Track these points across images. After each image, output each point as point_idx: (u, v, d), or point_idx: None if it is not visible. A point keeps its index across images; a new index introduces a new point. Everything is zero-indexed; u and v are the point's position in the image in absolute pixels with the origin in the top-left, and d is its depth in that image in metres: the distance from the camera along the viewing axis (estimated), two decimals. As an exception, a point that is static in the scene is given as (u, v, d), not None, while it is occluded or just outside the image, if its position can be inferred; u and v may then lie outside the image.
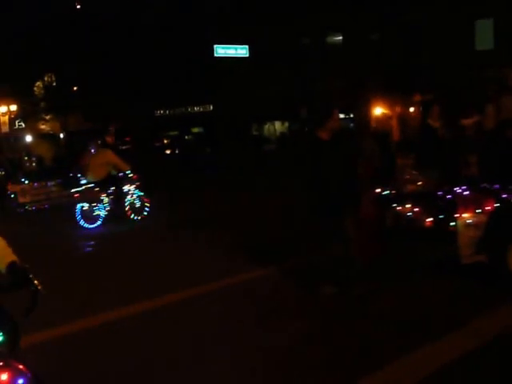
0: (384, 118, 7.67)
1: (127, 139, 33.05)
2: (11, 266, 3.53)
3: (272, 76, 34.08)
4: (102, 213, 13.36)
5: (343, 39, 37.07)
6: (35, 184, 18.71)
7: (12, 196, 18.35)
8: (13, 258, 3.59)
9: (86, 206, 13.32)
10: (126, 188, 13.65)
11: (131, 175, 13.67)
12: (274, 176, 20.53)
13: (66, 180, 18.79)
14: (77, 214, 13.29)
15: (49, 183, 18.96)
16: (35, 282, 3.45)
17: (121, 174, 13.68)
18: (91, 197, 13.32)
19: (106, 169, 13.57)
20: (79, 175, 18.03)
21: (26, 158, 20.15)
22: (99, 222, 13.33)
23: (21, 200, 18.25)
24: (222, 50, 32.94)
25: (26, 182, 18.69)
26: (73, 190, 13.92)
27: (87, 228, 13.27)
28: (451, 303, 6.42)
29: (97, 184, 13.41)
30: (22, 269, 3.50)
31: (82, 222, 13.31)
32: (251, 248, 9.92)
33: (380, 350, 5.29)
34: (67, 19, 34.58)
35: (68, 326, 6.54)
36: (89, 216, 13.35)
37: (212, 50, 32.31)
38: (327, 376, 4.88)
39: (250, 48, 33.82)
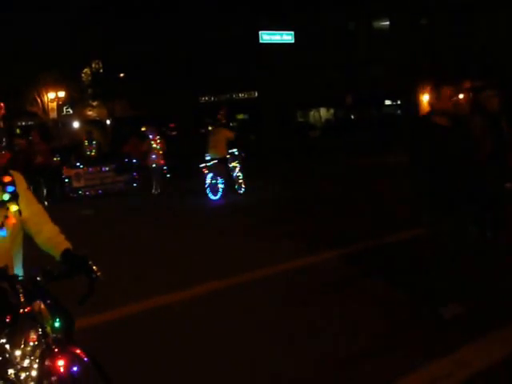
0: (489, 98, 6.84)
1: (172, 125, 33.15)
2: (65, 253, 3.55)
3: (318, 62, 33.64)
4: (222, 186, 14.90)
5: (390, 24, 36.39)
6: (90, 169, 18.40)
7: (66, 181, 18.03)
8: (67, 245, 3.61)
9: (209, 179, 15.03)
10: (232, 164, 15.44)
11: (237, 153, 15.55)
12: (324, 162, 20.44)
13: (121, 165, 18.65)
14: (206, 187, 15.03)
15: (103, 168, 18.63)
16: (94, 268, 3.46)
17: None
18: (217, 171, 14.91)
19: (226, 145, 15.09)
20: (134, 161, 18.48)
21: (87, 143, 19.75)
22: (219, 195, 14.90)
23: (75, 185, 18.05)
24: (267, 36, 32.62)
25: (81, 166, 18.34)
26: (201, 165, 15.33)
27: (213, 199, 14.93)
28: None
29: (220, 160, 14.93)
30: (78, 256, 3.51)
31: (209, 194, 15.03)
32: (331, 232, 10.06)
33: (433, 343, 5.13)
34: (114, 4, 34.68)
35: (124, 308, 6.58)
36: (213, 189, 14.98)
37: (257, 36, 32.05)
38: (369, 371, 4.74)
39: (296, 34, 33.42)
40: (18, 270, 3.70)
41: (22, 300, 3.20)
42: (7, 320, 3.52)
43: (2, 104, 3.68)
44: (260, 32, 32.18)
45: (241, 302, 6.59)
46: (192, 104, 38.11)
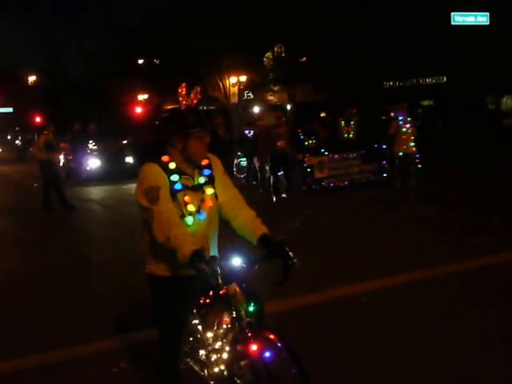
0: None
1: (353, 111, 32.51)
2: (262, 238, 3.53)
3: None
4: None
5: None
6: (335, 156, 15.86)
7: (308, 170, 15.60)
8: (264, 230, 3.59)
9: None
10: None
11: None
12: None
13: (370, 152, 16.27)
14: None
15: (350, 155, 16.06)
16: (290, 254, 3.38)
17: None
18: None
19: None
20: (384, 146, 16.17)
21: (343, 124, 17.58)
22: None
23: (317, 175, 15.57)
24: (460, 18, 30.90)
25: (326, 153, 15.81)
26: None
27: None
28: None
29: None
30: (275, 241, 3.46)
31: None
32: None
33: None
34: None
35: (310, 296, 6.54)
36: None
37: (449, 18, 30.46)
38: None
39: (492, 15, 31.31)
40: (214, 253, 3.72)
41: (221, 282, 3.16)
42: (206, 301, 3.53)
43: (198, 88, 3.72)
44: (452, 13, 30.48)
45: (429, 298, 6.33)
46: (376, 89, 37.23)
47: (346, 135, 16.97)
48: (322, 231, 10.57)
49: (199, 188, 3.59)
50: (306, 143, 16.34)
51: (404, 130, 14.32)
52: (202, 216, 3.56)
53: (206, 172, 3.64)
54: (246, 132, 18.97)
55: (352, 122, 17.27)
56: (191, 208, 3.52)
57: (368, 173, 16.07)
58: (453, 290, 6.52)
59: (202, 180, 3.61)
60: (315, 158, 15.60)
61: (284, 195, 14.49)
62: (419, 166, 14.58)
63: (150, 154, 3.63)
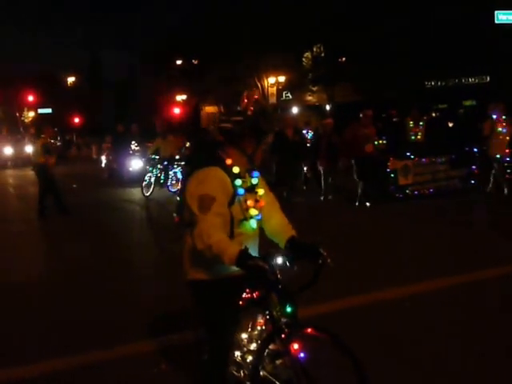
0: None
1: (393, 113, 32.10)
2: (290, 240, 3.65)
3: None
4: None
5: None
6: (423, 160, 14.29)
7: (392, 176, 13.81)
8: (292, 233, 3.71)
9: None
10: None
11: None
12: None
13: (460, 157, 14.79)
14: None
15: (438, 159, 14.51)
16: (324, 254, 3.42)
17: None
18: None
19: None
20: (475, 150, 14.75)
21: (412, 124, 16.52)
22: None
23: (401, 181, 13.84)
24: (503, 16, 30.22)
25: (412, 156, 14.16)
26: None
27: None
28: None
29: None
30: (304, 243, 3.56)
31: None
32: None
33: None
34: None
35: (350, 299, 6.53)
36: None
37: (492, 16, 29.84)
38: None
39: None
40: (254, 253, 3.70)
41: (279, 277, 3.25)
42: (240, 303, 3.54)
43: (257, 95, 3.82)
44: (496, 12, 29.84)
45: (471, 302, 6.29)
46: (417, 89, 36.72)
47: (413, 137, 15.95)
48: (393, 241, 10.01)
49: (253, 189, 3.68)
50: (376, 143, 14.60)
51: (499, 130, 13.35)
52: (259, 217, 3.67)
53: (255, 174, 3.73)
54: (304, 132, 18.48)
55: (421, 123, 16.16)
56: (254, 212, 3.60)
57: (455, 179, 14.59)
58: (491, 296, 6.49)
59: (254, 181, 3.70)
60: (400, 162, 13.86)
61: (368, 204, 13.17)
62: (508, 170, 13.71)
63: (210, 157, 3.63)
